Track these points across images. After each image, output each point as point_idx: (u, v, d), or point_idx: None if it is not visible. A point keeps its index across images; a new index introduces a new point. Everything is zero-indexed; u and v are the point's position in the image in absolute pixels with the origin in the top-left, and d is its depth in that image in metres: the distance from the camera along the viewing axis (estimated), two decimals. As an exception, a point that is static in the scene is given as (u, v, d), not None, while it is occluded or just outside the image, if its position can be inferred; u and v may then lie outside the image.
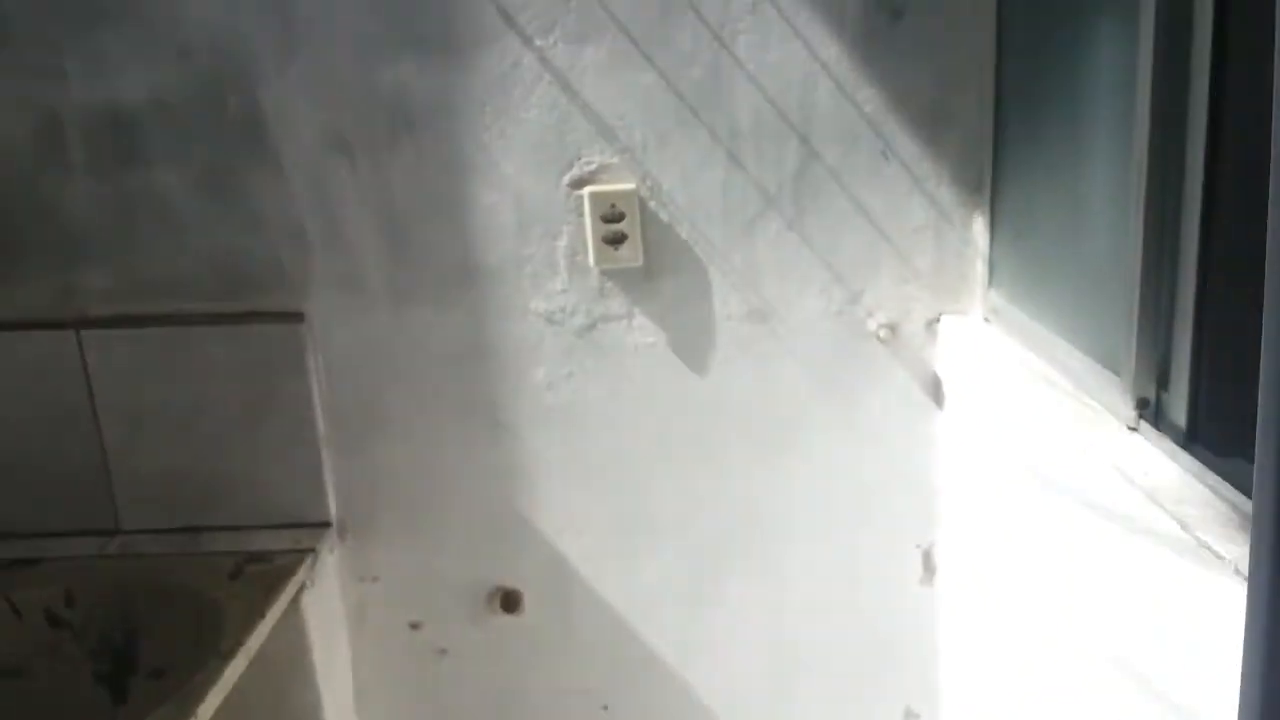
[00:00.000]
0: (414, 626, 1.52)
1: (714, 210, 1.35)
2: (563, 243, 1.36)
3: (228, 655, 1.13)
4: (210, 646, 1.15)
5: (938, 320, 1.38)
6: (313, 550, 1.39)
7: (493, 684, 1.54)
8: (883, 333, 1.36)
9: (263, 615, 1.22)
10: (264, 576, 1.32)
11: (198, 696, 1.05)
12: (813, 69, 1.29)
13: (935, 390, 1.41)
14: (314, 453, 1.42)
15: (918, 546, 1.48)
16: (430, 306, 1.39)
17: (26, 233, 1.36)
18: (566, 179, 1.34)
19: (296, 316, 1.38)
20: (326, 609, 1.46)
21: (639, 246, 1.34)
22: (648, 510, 1.48)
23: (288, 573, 1.33)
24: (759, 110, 1.31)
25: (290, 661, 1.38)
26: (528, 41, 1.29)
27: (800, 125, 1.31)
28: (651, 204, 1.35)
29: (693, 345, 1.41)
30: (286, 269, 1.37)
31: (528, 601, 1.50)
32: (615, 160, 1.33)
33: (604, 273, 1.37)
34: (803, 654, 1.53)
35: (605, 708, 1.55)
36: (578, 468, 1.46)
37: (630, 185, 1.33)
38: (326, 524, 1.45)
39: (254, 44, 1.29)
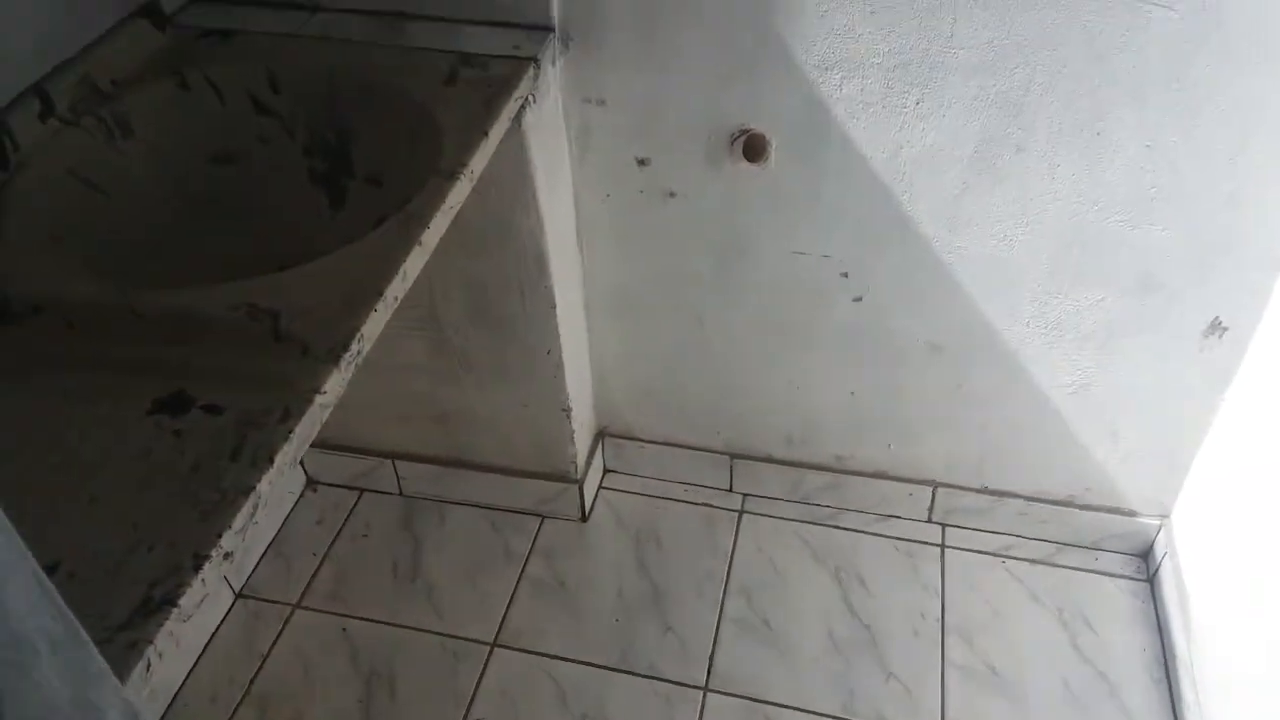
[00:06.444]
0: (641, 163, 1.34)
1: None
2: None
3: (451, 176, 0.98)
4: (428, 162, 1.00)
5: None
6: (534, 60, 1.18)
7: (721, 235, 1.39)
8: None
9: (485, 134, 1.05)
10: (481, 85, 1.13)
11: (422, 220, 0.92)
12: None
13: None
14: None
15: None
16: None
17: None
18: None
19: None
20: (549, 130, 1.29)
21: None
22: (947, 49, 1.14)
23: (508, 85, 1.14)
24: None
25: (512, 185, 1.26)
26: None
27: None
28: None
29: None
30: None
31: (775, 150, 1.27)
32: None
33: None
34: (1105, 245, 1.26)
35: (845, 275, 1.38)
36: (867, -14, 1.11)
37: None
38: (548, 28, 1.22)
39: None
